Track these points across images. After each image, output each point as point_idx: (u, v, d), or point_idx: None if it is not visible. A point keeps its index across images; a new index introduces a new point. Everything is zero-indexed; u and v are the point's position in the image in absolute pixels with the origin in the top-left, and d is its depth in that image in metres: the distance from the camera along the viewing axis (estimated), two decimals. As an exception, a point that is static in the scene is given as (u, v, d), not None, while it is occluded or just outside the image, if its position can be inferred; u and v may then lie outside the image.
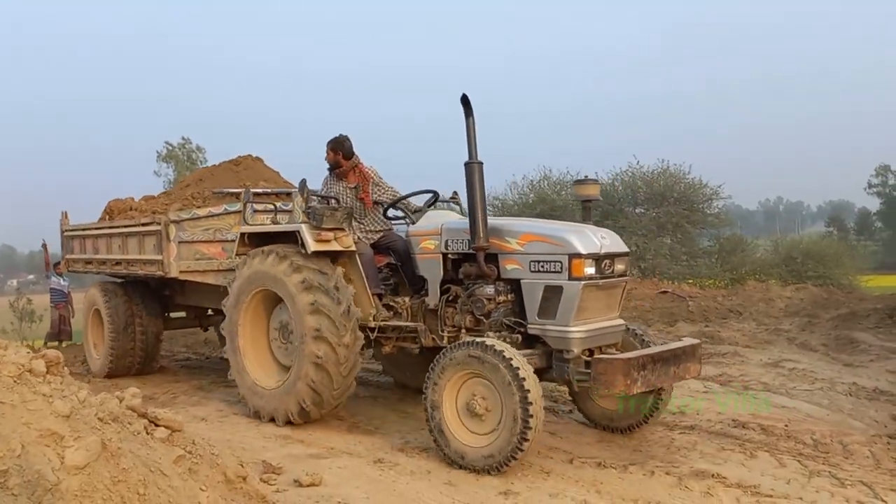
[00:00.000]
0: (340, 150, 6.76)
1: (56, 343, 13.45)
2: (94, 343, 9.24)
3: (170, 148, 51.22)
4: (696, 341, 5.94)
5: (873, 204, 69.73)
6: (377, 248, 6.75)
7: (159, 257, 7.66)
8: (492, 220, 5.84)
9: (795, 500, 4.59)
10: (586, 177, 6.17)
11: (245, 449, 5.82)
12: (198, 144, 52.25)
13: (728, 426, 6.31)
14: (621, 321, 5.88)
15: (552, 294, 5.50)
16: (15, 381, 2.02)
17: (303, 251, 6.24)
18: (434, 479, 5.01)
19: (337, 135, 6.77)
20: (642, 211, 27.08)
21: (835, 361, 8.68)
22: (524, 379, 4.87)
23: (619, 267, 5.74)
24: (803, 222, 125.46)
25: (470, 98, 5.59)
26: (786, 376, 8.05)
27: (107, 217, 9.23)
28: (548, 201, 26.90)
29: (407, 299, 6.49)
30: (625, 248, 5.93)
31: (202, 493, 2.35)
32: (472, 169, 5.66)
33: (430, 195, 6.85)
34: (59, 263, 12.53)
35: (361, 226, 6.82)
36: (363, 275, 6.36)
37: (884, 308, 11.40)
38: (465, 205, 6.37)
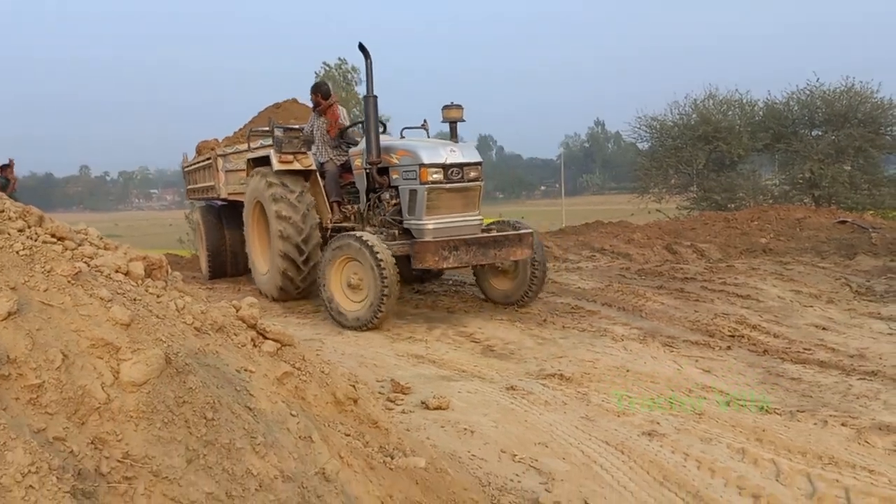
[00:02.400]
0: (319, 93, 8.56)
1: None
2: (201, 255, 11.27)
3: (327, 69, 52.54)
4: (527, 230, 7.37)
5: None
6: (346, 167, 8.31)
7: (213, 183, 9.81)
8: (385, 141, 7.49)
9: None
10: (452, 103, 7.55)
11: (377, 366, 5.68)
12: (353, 65, 53.14)
13: (920, 375, 5.42)
14: (478, 218, 7.45)
15: (412, 196, 7.18)
16: (70, 282, 1.77)
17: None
18: (570, 412, 4.60)
19: (318, 80, 8.62)
20: (819, 133, 24.59)
21: None
22: (381, 259, 6.61)
23: (471, 174, 7.29)
24: None
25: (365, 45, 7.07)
26: None
27: (197, 155, 11.44)
28: (711, 122, 24.95)
29: (356, 206, 8.11)
30: (475, 160, 7.35)
31: (292, 418, 2.04)
32: (369, 101, 7.24)
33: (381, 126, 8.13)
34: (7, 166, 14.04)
35: (331, 150, 8.49)
36: (322, 187, 8.18)
37: None
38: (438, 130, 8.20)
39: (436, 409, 4.47)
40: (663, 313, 7.36)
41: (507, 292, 7.79)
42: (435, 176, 7.06)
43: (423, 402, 4.58)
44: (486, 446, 3.92)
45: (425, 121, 8.62)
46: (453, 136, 7.83)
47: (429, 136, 8.16)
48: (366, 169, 7.62)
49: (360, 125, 8.26)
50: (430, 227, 7.11)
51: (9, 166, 14.05)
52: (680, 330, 6.80)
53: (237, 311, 3.13)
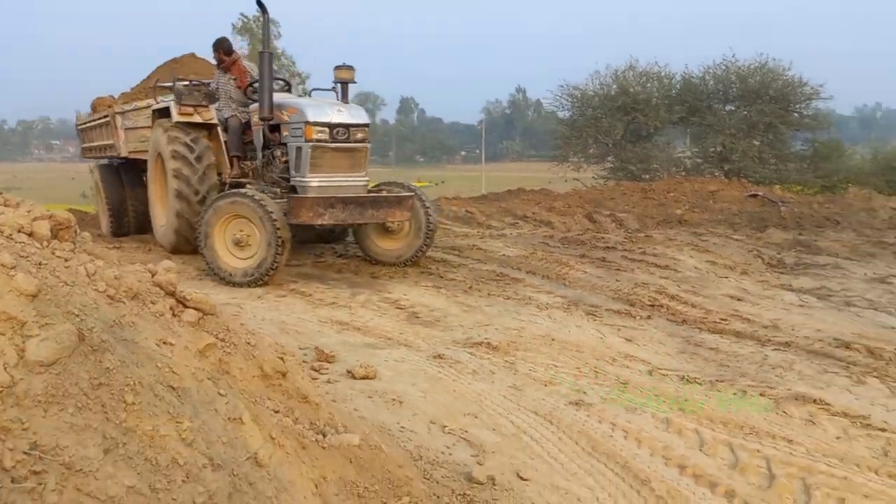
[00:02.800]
0: (221, 49, 8.51)
1: None
2: (101, 213, 10.99)
3: (245, 21, 50.63)
4: (408, 194, 7.60)
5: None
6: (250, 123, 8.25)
7: (112, 141, 9.56)
8: (281, 98, 7.65)
9: (914, 437, 3.97)
10: (344, 63, 7.83)
11: (299, 332, 5.50)
12: (273, 17, 51.27)
13: (829, 345, 5.65)
14: (364, 179, 7.61)
15: (298, 153, 7.28)
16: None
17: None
18: (498, 381, 4.56)
19: (219, 37, 8.50)
20: (732, 109, 25.38)
21: (952, 282, 7.78)
22: (272, 213, 6.67)
23: (357, 135, 7.42)
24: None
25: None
26: (894, 294, 7.24)
27: (93, 112, 11.03)
28: (630, 94, 25.36)
29: (254, 162, 8.07)
30: (362, 121, 7.51)
31: (220, 398, 1.87)
32: (264, 57, 7.36)
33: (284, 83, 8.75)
34: None
35: (236, 106, 8.39)
36: (222, 142, 8.13)
37: None
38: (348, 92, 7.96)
39: (362, 378, 4.35)
40: (586, 282, 7.44)
41: (396, 252, 7.98)
42: (319, 134, 7.22)
43: (349, 371, 4.45)
44: (416, 417, 3.83)
45: (336, 84, 8.24)
46: (344, 96, 7.88)
47: (339, 99, 7.98)
48: (259, 125, 7.77)
49: (280, 80, 8.46)
50: (314, 184, 7.26)
51: None
52: (602, 299, 6.88)
53: (153, 276, 2.90)
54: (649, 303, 6.77)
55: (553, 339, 5.54)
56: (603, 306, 6.60)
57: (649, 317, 6.34)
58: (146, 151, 8.93)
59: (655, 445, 3.73)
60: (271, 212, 6.72)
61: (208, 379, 1.93)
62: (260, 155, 7.95)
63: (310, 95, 8.26)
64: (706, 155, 25.21)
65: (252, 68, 8.68)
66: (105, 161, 10.91)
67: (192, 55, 11.50)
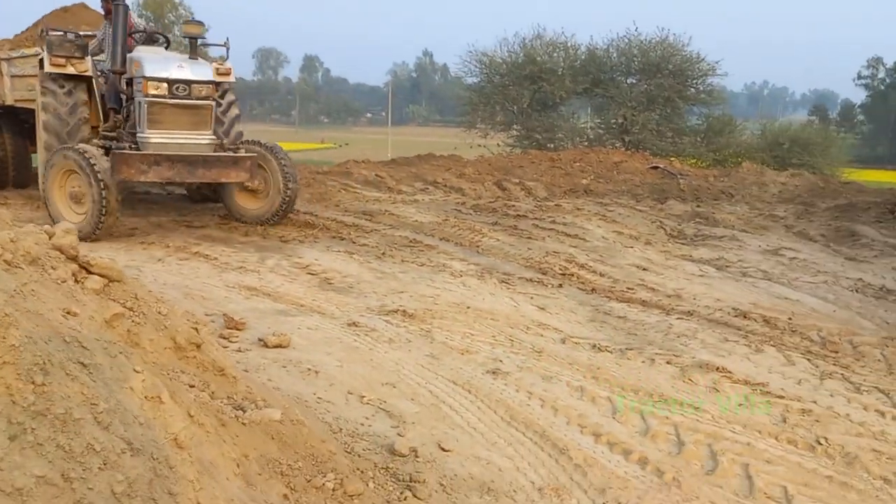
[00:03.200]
0: (109, 2, 7.90)
1: None
2: None
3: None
4: (246, 155, 7.49)
5: (858, 96, 68.71)
6: None
7: None
8: (136, 53, 7.42)
9: (809, 403, 4.18)
10: (192, 18, 8.70)
11: (205, 298, 5.27)
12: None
13: (728, 315, 5.88)
14: (209, 137, 7.47)
15: (139, 108, 7.20)
16: None
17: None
18: (415, 349, 4.51)
19: None
20: (634, 82, 26.01)
21: (836, 254, 8.25)
22: (97, 170, 6.70)
23: (201, 92, 7.31)
24: (786, 109, 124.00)
25: None
26: (786, 265, 7.63)
27: None
28: (537, 63, 25.56)
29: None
30: (204, 78, 7.37)
31: (136, 375, 1.72)
32: (119, 9, 7.27)
33: (163, 37, 8.26)
34: None
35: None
36: (98, 95, 7.99)
37: (884, 203, 10.94)
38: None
39: (275, 347, 4.21)
40: (499, 250, 7.47)
41: (257, 211, 7.97)
42: (157, 90, 7.14)
43: (260, 340, 4.29)
44: (333, 388, 3.73)
45: (227, 39, 8.17)
46: (192, 51, 7.72)
47: (228, 56, 8.12)
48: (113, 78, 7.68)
49: (159, 34, 8.32)
50: (153, 141, 7.20)
51: None
52: (515, 267, 6.93)
53: (51, 238, 2.67)
54: (560, 272, 6.86)
55: (468, 308, 5.53)
56: (516, 274, 6.64)
57: (560, 285, 6.43)
58: (34, 101, 8.47)
59: (571, 414, 3.78)
60: (97, 168, 6.74)
61: (121, 353, 1.77)
62: (123, 109, 7.71)
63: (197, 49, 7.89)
64: (608, 126, 25.83)
65: (139, 23, 8.53)
66: None
67: (83, 5, 11.19)
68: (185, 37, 7.88)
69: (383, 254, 7.00)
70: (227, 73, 8.01)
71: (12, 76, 8.99)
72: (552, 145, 25.04)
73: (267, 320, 4.80)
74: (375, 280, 6.17)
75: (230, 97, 8.35)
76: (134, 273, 5.82)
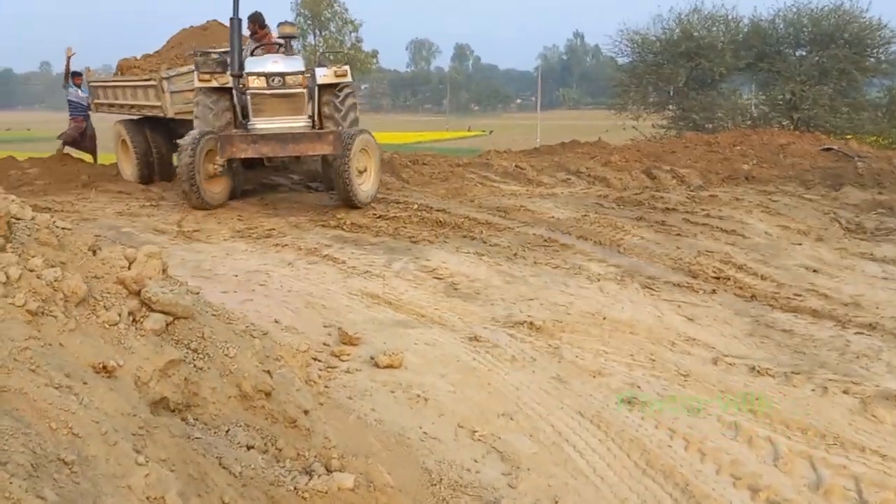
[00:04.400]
0: (256, 22, 9.36)
1: (70, 150, 13.25)
2: (124, 162, 11.79)
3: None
4: (330, 130, 8.44)
5: None
6: None
7: (160, 103, 10.21)
8: (249, 58, 8.66)
9: None
10: (286, 21, 9.04)
11: (326, 307, 5.06)
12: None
13: (923, 329, 4.95)
14: (304, 120, 8.67)
15: (247, 101, 8.52)
16: None
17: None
18: (539, 370, 4.05)
19: (253, 11, 9.33)
20: (803, 54, 23.77)
21: None
22: (188, 149, 8.18)
23: (292, 81, 8.39)
24: None
25: None
26: None
27: (119, 73, 12.05)
28: (694, 38, 23.95)
29: None
30: (296, 70, 8.44)
31: (138, 469, 1.40)
32: (233, 23, 8.53)
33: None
34: (79, 74, 13.18)
35: None
36: (237, 99, 8.93)
37: None
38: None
39: (386, 367, 3.89)
40: (643, 249, 6.80)
41: (367, 190, 8.82)
42: (257, 83, 8.36)
43: (372, 359, 3.99)
44: (442, 419, 3.36)
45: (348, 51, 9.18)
46: (287, 49, 8.98)
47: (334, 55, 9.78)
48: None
49: (281, 46, 9.38)
50: (257, 127, 8.43)
51: None
52: (661, 269, 6.26)
53: (130, 263, 2.46)
54: (714, 274, 6.12)
55: (604, 318, 4.99)
56: (661, 278, 5.98)
57: (714, 291, 5.72)
58: (189, 112, 9.67)
59: (722, 459, 3.18)
60: (184, 146, 8.25)
61: (124, 440, 1.47)
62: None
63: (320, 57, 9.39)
64: (774, 103, 23.81)
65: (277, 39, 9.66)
66: (129, 118, 11.65)
67: (218, 22, 12.14)
68: (280, 37, 8.96)
69: (515, 255, 6.55)
70: (344, 75, 9.05)
71: (171, 92, 10.11)
72: (710, 125, 23.47)
73: (384, 333, 4.51)
74: (504, 285, 5.75)
75: (348, 95, 9.21)
76: (262, 277, 5.78)
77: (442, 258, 6.42)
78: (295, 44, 9.94)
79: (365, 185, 8.77)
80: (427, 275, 5.99)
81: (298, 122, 8.58)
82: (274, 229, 7.72)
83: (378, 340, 4.35)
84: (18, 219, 2.36)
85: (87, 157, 13.50)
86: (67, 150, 13.61)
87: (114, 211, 8.71)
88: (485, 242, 6.96)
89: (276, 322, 4.60)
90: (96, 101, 12.56)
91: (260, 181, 11.40)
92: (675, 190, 9.99)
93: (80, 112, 13.12)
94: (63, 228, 3.04)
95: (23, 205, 2.33)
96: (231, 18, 8.56)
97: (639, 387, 3.89)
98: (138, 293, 2.26)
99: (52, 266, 2.08)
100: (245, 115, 8.87)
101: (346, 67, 9.26)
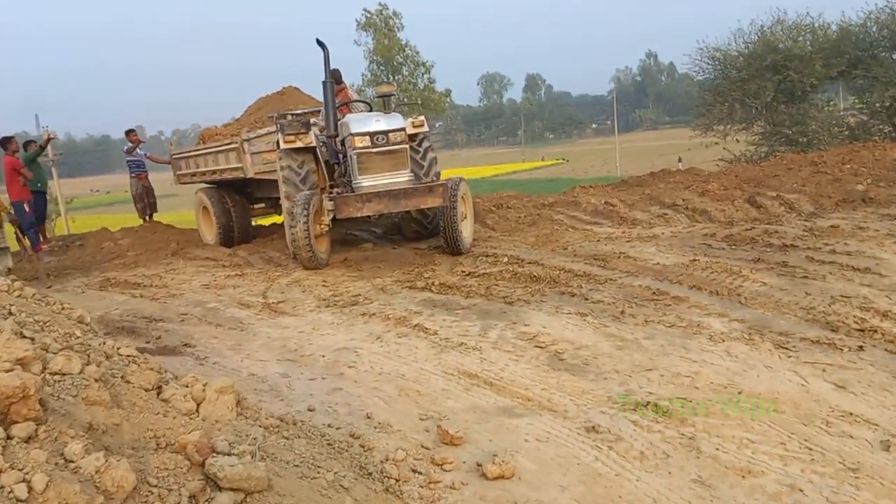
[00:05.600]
0: (333, 78, 9.46)
1: (145, 219, 14.41)
2: (205, 228, 12.43)
3: (368, 16, 51.17)
4: (440, 182, 8.64)
5: None
6: None
7: (240, 165, 10.62)
8: (345, 118, 9.01)
9: None
10: (383, 80, 9.70)
11: (420, 393, 4.60)
12: (394, 10, 51.67)
13: None
14: (407, 175, 8.81)
15: (351, 160, 8.75)
16: None
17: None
18: (676, 471, 3.45)
19: (332, 68, 9.44)
20: (902, 57, 22.30)
21: None
22: (301, 210, 8.30)
23: (396, 139, 8.66)
24: None
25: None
26: None
27: (201, 142, 12.70)
28: (780, 51, 22.81)
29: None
30: (398, 127, 8.72)
31: None
32: (326, 87, 9.03)
33: (367, 104, 10.09)
34: (133, 131, 14.87)
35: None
36: (322, 159, 9.44)
37: None
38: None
39: (497, 478, 3.37)
40: (767, 297, 6.07)
41: (468, 238, 8.99)
42: (362, 143, 8.58)
43: (479, 466, 3.48)
44: (572, 553, 2.81)
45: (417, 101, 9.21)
46: (385, 107, 9.26)
47: (407, 106, 10.52)
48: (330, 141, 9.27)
49: (363, 103, 10.10)
50: (364, 184, 8.66)
51: (33, 141, 13.38)
52: (792, 322, 5.52)
53: (196, 406, 2.06)
54: (856, 325, 5.34)
55: (739, 392, 4.34)
56: (795, 333, 5.26)
57: (860, 347, 4.96)
58: (269, 172, 10.21)
59: None
60: (298, 209, 8.35)
61: None
62: (340, 166, 9.30)
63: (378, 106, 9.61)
64: (873, 111, 22.36)
65: (353, 95, 10.46)
66: (208, 185, 12.39)
67: (295, 88, 12.93)
68: (378, 96, 9.41)
69: (622, 312, 5.95)
70: (421, 125, 9.30)
71: (252, 153, 10.46)
72: (804, 139, 22.22)
73: (488, 426, 4.00)
74: (615, 352, 5.16)
75: (426, 144, 9.46)
76: (351, 356, 5.39)
77: (541, 321, 5.88)
78: (350, 91, 10.46)
79: (466, 232, 8.99)
80: (527, 343, 5.46)
81: (402, 177, 8.78)
82: (360, 295, 7.36)
83: (483, 437, 3.85)
84: (65, 374, 1.97)
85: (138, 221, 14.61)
86: (155, 217, 14.29)
87: (200, 283, 8.57)
88: (586, 299, 6.38)
89: (369, 417, 4.17)
90: (179, 172, 13.18)
91: (342, 236, 11.22)
92: (787, 220, 9.15)
93: (140, 169, 14.45)
94: (127, 356, 2.68)
95: (70, 356, 1.94)
96: (323, 81, 9.06)
97: (801, 490, 3.24)
98: (202, 464, 1.83)
99: (96, 447, 1.68)
100: (333, 174, 9.35)
101: (423, 118, 9.51)
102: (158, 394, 2.34)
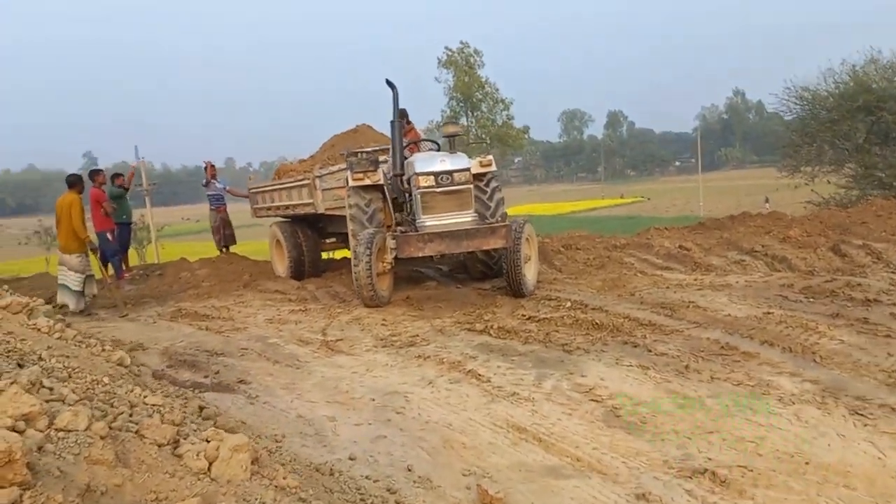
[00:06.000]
0: (404, 118, 10.07)
1: (223, 250, 14.85)
2: (277, 261, 12.68)
3: (449, 53, 52.05)
4: (503, 224, 8.57)
5: None
6: None
7: (312, 201, 10.81)
8: (411, 158, 9.18)
9: None
10: (451, 120, 8.90)
11: (465, 446, 4.46)
12: (475, 48, 52.38)
13: None
14: (472, 215, 8.81)
15: (415, 200, 8.80)
16: None
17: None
18: (731, 550, 3.18)
19: (401, 108, 9.78)
20: None
21: None
22: (363, 249, 8.41)
23: (459, 178, 8.73)
24: None
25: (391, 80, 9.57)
26: None
27: (276, 177, 13.07)
28: (874, 91, 21.89)
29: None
30: (463, 167, 8.79)
31: None
32: (394, 126, 9.38)
33: (435, 144, 10.09)
34: (213, 166, 15.33)
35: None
36: (389, 197, 9.51)
37: None
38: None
39: (535, 548, 3.19)
40: (845, 357, 5.67)
41: (531, 279, 8.86)
42: (427, 182, 8.67)
43: (518, 533, 3.31)
44: None
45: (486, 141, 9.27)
46: (451, 147, 9.21)
47: (464, 150, 9.88)
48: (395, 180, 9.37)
49: (430, 141, 10.26)
50: (427, 224, 8.68)
51: (121, 175, 13.97)
52: (871, 386, 5.12)
53: (208, 465, 2.01)
54: (945, 393, 4.91)
55: (807, 463, 4.02)
56: (874, 399, 4.87)
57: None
58: (340, 208, 10.44)
59: None
60: (358, 246, 8.49)
61: None
62: (406, 204, 9.34)
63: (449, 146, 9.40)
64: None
65: (420, 134, 10.53)
66: (282, 219, 12.71)
67: (368, 125, 13.14)
68: (445, 136, 9.31)
69: (686, 367, 5.65)
70: (489, 165, 9.36)
71: (323, 189, 10.68)
72: (900, 183, 21.16)
73: (532, 486, 3.83)
74: (676, 410, 4.89)
75: (493, 184, 9.44)
76: (400, 402, 5.30)
77: (600, 373, 5.66)
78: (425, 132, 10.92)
79: (529, 274, 8.86)
80: (583, 396, 5.24)
81: (466, 217, 8.79)
82: (417, 335, 7.29)
83: (525, 499, 3.67)
84: (70, 430, 1.94)
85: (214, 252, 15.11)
86: (232, 249, 14.75)
87: (265, 318, 8.68)
88: (649, 351, 6.11)
89: (409, 470, 4.05)
90: (255, 206, 13.62)
91: (408, 272, 11.22)
92: (872, 272, 8.60)
93: (220, 202, 15.02)
94: (152, 405, 2.66)
95: (77, 411, 1.91)
96: (392, 121, 9.38)
97: (870, 582, 2.93)
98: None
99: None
100: (400, 212, 9.43)
101: (490, 157, 9.54)
102: (175, 448, 2.30)
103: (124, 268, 13.27)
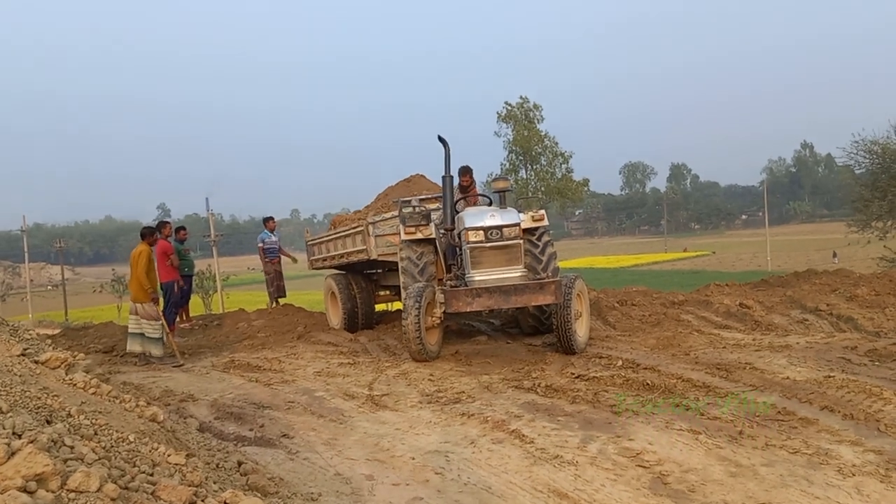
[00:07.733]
0: (467, 174, 10.33)
1: (274, 302, 15.12)
2: (332, 313, 12.79)
3: (509, 108, 52.66)
4: (553, 279, 8.38)
5: None
6: None
7: (364, 247, 10.99)
8: (462, 213, 9.21)
9: None
10: (499, 175, 9.39)
11: (503, 513, 4.33)
12: (535, 103, 52.88)
13: None
14: (521, 270, 8.75)
15: (465, 254, 8.81)
16: None
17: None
18: None
19: (464, 165, 10.35)
20: None
21: None
22: (412, 302, 8.53)
23: (509, 234, 8.68)
24: None
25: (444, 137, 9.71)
26: None
27: (332, 227, 13.21)
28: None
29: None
30: (512, 222, 8.72)
31: None
32: (446, 181, 9.63)
33: (487, 198, 9.90)
34: (271, 219, 15.67)
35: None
36: (440, 250, 9.62)
37: None
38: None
39: None
40: (912, 426, 5.34)
41: (583, 337, 8.77)
42: (476, 237, 8.68)
43: None
44: None
45: (541, 195, 9.48)
46: (502, 202, 9.32)
47: (514, 204, 10.04)
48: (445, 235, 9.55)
49: (483, 196, 10.22)
50: (476, 279, 8.66)
51: (183, 228, 14.44)
52: (942, 458, 4.79)
53: None
54: None
55: (867, 543, 3.75)
56: (944, 473, 4.55)
57: None
58: (392, 254, 10.56)
59: None
60: (414, 300, 8.54)
61: None
62: (457, 258, 9.34)
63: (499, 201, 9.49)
64: None
65: (481, 191, 10.60)
66: (337, 272, 12.82)
67: (422, 176, 13.31)
68: (495, 191, 9.34)
69: (740, 433, 5.40)
70: (541, 219, 9.22)
71: (376, 236, 10.91)
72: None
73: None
74: (727, 479, 4.66)
75: (545, 238, 9.32)
76: (441, 461, 5.21)
77: (648, 437, 5.46)
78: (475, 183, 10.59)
79: (581, 331, 8.75)
80: (629, 461, 5.05)
81: (516, 273, 8.72)
82: (463, 392, 7.21)
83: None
84: (81, 492, 1.96)
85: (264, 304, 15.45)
86: (283, 301, 15.00)
87: (314, 370, 8.72)
88: (702, 414, 5.87)
89: (443, 536, 3.95)
90: (312, 258, 13.92)
91: (459, 326, 11.17)
92: (946, 334, 8.16)
93: (274, 254, 15.40)
94: (175, 464, 2.66)
95: (89, 473, 1.93)
96: (443, 176, 9.59)
97: None
98: None
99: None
100: (451, 266, 9.40)
101: (543, 212, 9.43)
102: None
103: (182, 318, 13.60)
